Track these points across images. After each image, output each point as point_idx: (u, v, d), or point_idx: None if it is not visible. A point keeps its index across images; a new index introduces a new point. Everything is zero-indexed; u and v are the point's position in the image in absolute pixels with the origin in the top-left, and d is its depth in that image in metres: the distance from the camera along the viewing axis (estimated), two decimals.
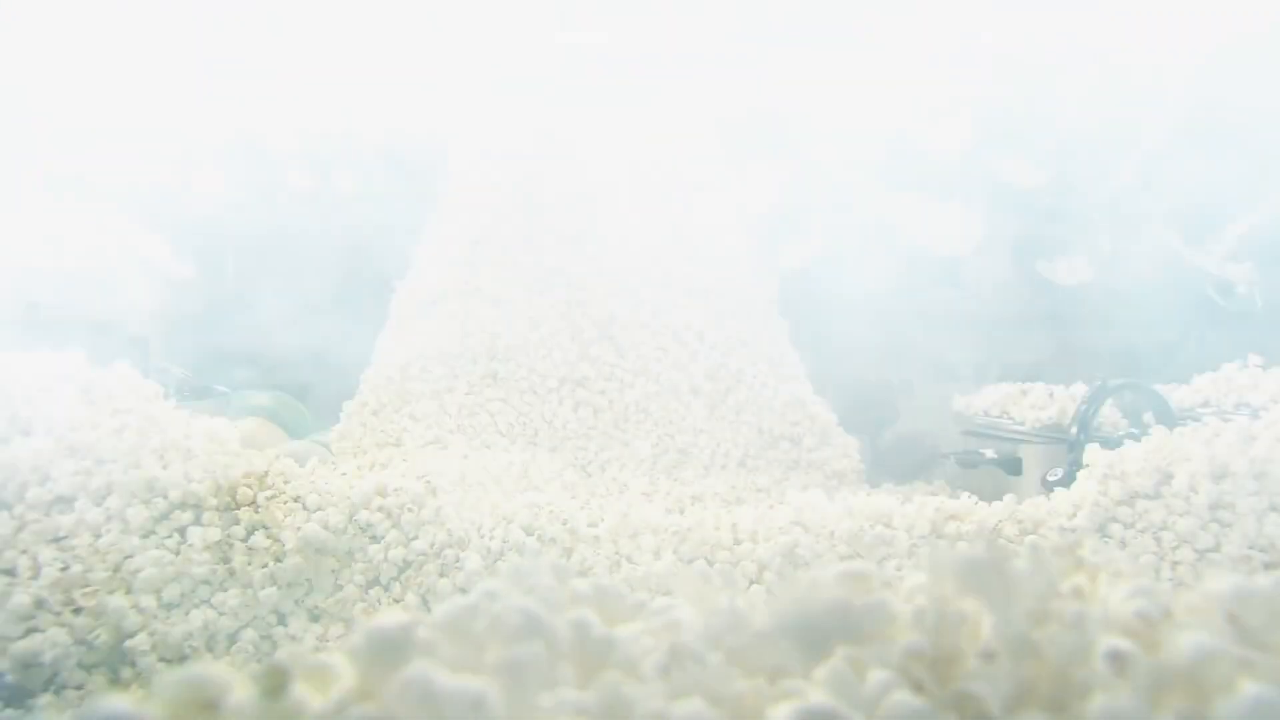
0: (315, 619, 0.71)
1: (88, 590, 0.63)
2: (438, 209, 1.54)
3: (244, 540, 0.70)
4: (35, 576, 0.64)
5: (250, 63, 1.38)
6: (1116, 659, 0.34)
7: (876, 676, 0.35)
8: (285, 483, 0.75)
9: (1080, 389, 1.32)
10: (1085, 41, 1.59)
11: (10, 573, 0.64)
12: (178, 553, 0.68)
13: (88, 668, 0.64)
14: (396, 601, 0.72)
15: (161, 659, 0.65)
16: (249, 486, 0.73)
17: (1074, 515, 0.83)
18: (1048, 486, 1.10)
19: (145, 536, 0.68)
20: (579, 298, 1.39)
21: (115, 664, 0.65)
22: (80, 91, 1.46)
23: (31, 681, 0.61)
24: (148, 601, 0.65)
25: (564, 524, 0.77)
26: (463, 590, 0.71)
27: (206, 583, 0.68)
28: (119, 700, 0.29)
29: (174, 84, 1.30)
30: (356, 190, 1.47)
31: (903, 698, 0.33)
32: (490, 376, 1.37)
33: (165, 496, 0.70)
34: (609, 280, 1.41)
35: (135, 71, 1.35)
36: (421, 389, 1.36)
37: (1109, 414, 1.28)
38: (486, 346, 1.38)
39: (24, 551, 0.65)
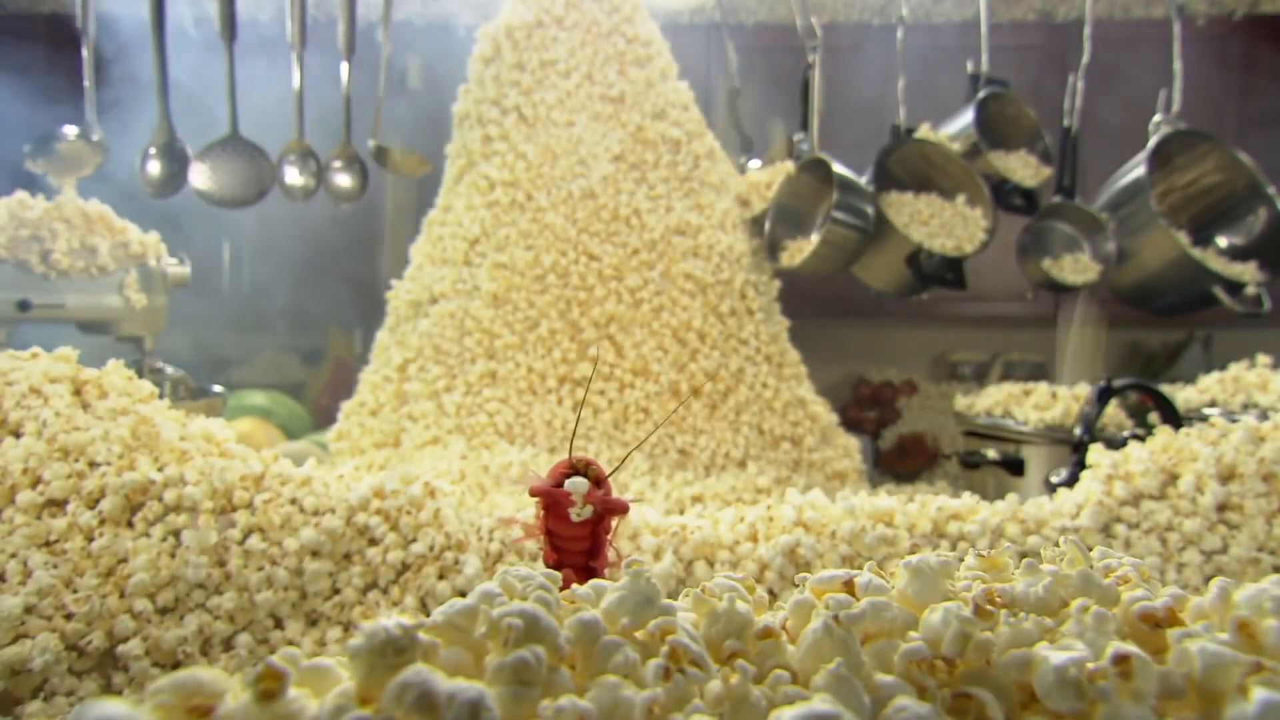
0: (313, 623, 0.71)
1: (79, 595, 0.62)
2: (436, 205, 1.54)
3: (240, 543, 0.70)
4: (25, 581, 0.63)
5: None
6: (1123, 664, 0.33)
7: (880, 681, 0.34)
8: (282, 484, 0.74)
9: (1084, 389, 1.32)
10: None
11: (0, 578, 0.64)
12: (173, 556, 0.67)
13: (79, 674, 0.63)
14: (395, 604, 0.71)
15: (155, 664, 0.64)
16: (245, 489, 0.73)
17: (1077, 515, 0.82)
18: (1051, 487, 1.09)
19: (139, 540, 0.68)
20: (579, 298, 1.39)
21: (107, 670, 0.64)
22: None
23: (20, 689, 0.60)
24: (142, 605, 0.64)
25: None
26: (462, 593, 0.70)
27: (201, 587, 0.67)
28: (110, 704, 0.28)
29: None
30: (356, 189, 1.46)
31: (907, 703, 0.33)
32: (489, 376, 1.36)
33: (160, 499, 0.70)
34: (608, 281, 1.41)
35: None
36: (419, 389, 1.36)
37: (1113, 414, 1.28)
38: (485, 346, 1.37)
39: (13, 555, 0.65)
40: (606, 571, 0.52)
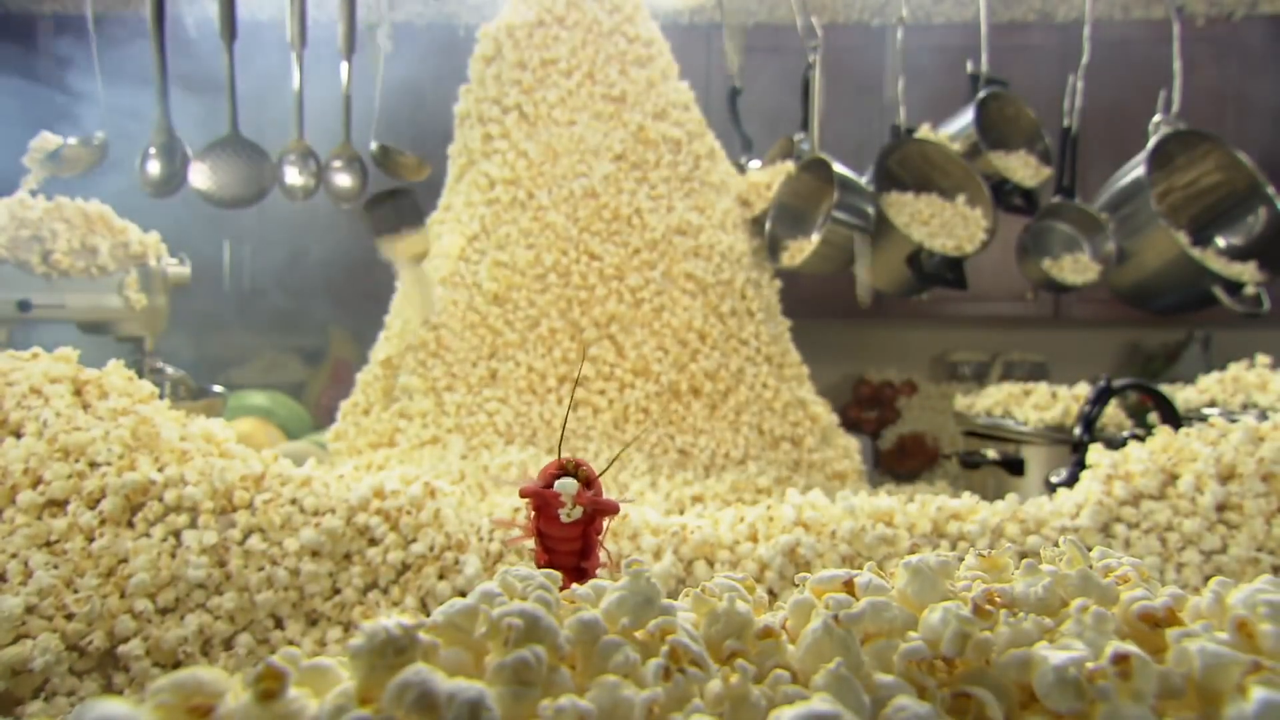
0: (313, 623, 0.71)
1: (80, 595, 0.63)
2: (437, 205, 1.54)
3: (240, 543, 0.70)
4: (25, 581, 0.63)
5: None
6: (1122, 664, 0.33)
7: (879, 680, 0.34)
8: (282, 485, 0.74)
9: (1084, 389, 1.32)
10: None
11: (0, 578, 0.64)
12: (173, 556, 0.67)
13: (79, 674, 0.63)
14: (395, 604, 0.71)
15: (155, 664, 0.64)
16: (245, 489, 0.73)
17: (1077, 515, 0.82)
18: (1051, 487, 1.09)
19: (139, 540, 0.68)
20: (580, 297, 1.39)
21: (108, 670, 0.64)
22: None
23: (21, 689, 0.60)
24: (142, 606, 0.65)
25: None
26: (462, 593, 0.70)
27: (202, 587, 0.67)
28: (111, 704, 0.29)
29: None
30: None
31: (906, 702, 0.33)
32: (489, 376, 1.36)
33: (160, 499, 0.70)
34: (609, 280, 1.41)
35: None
36: (418, 385, 1.36)
37: (1113, 414, 1.28)
38: (486, 345, 1.37)
39: (14, 556, 0.65)
40: (598, 572, 0.52)
